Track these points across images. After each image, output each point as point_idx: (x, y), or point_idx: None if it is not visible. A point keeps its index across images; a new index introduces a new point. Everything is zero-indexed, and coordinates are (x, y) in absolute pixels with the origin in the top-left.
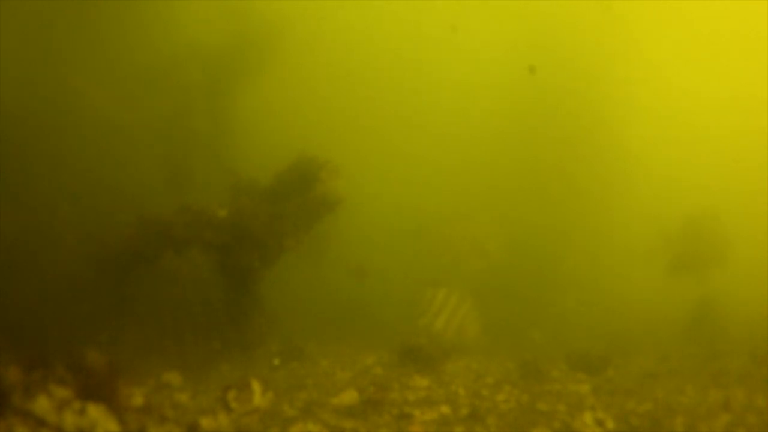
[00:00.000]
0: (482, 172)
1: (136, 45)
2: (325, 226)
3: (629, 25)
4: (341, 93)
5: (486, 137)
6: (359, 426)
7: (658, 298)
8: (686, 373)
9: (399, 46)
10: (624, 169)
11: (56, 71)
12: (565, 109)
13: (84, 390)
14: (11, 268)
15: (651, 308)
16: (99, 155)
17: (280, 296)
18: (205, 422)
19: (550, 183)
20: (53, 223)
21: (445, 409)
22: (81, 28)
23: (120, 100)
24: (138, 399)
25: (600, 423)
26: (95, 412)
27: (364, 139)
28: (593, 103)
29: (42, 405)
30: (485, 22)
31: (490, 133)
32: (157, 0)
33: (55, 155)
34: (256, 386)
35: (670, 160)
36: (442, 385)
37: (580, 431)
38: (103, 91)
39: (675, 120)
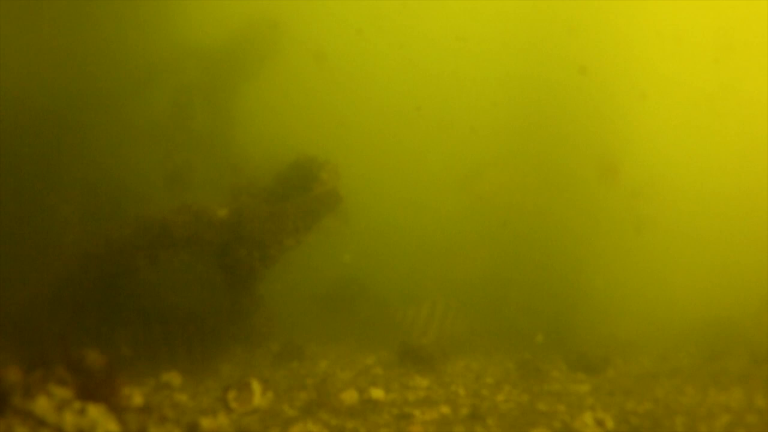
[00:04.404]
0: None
1: (135, 43)
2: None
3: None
4: (343, 92)
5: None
6: (359, 426)
7: None
8: (686, 373)
9: (407, 46)
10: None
11: (56, 69)
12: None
13: (84, 390)
14: (11, 267)
15: None
16: (99, 154)
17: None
18: (205, 422)
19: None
20: (53, 222)
21: (445, 409)
22: (79, 25)
23: (120, 99)
24: (138, 399)
25: (600, 423)
26: (95, 412)
27: (366, 139)
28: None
29: (42, 405)
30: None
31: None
32: None
33: (55, 154)
34: (256, 386)
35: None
36: (442, 385)
37: (580, 431)
38: (103, 89)
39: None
